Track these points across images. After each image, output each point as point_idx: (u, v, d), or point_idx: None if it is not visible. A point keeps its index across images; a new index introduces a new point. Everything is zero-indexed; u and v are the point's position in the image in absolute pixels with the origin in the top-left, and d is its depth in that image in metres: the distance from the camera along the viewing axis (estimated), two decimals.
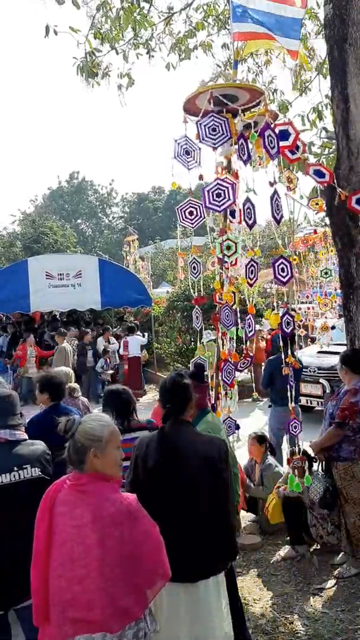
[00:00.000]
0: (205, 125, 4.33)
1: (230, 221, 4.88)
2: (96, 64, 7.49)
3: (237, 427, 5.01)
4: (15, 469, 2.83)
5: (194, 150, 4.51)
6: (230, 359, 4.80)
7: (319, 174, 4.39)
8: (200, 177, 4.65)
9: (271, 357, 7.09)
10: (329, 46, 5.17)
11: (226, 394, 4.95)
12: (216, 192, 4.29)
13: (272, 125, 4.23)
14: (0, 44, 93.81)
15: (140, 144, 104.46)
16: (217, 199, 4.29)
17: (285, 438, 6.78)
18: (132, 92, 8.57)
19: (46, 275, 13.31)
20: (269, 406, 6.96)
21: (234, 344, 4.98)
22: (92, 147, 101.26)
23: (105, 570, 2.13)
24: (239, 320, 4.90)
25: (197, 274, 4.92)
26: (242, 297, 5.76)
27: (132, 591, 2.19)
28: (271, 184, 4.20)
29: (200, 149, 4.49)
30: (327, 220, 6.61)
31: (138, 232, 24.75)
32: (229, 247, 4.68)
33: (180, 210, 4.66)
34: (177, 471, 2.77)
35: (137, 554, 2.21)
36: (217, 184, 4.31)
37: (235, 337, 4.96)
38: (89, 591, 2.12)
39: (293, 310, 4.54)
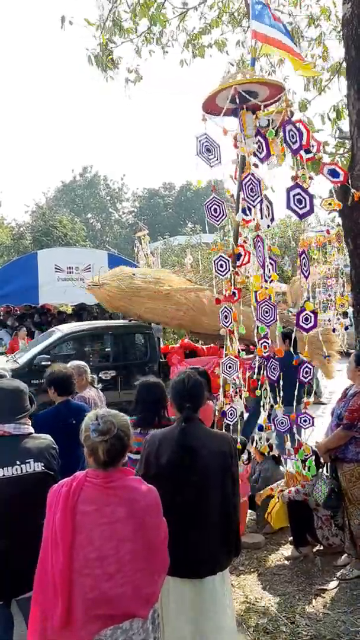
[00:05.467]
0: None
1: (244, 219, 4.83)
2: (110, 56, 7.47)
3: (260, 428, 4.99)
4: (18, 462, 2.83)
5: (214, 148, 4.49)
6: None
7: (333, 173, 4.35)
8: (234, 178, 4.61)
9: (276, 357, 7.03)
10: (346, 46, 5.15)
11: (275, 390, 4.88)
12: (250, 186, 4.25)
13: (292, 121, 4.18)
14: (18, 37, 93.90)
15: (153, 139, 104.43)
16: (251, 193, 4.26)
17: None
18: (144, 86, 8.49)
19: (55, 268, 13.34)
20: (271, 407, 6.91)
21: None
22: (106, 142, 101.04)
23: (136, 562, 2.19)
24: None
25: (225, 272, 4.79)
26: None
27: (154, 578, 2.28)
28: (294, 179, 4.12)
29: (219, 146, 4.47)
30: (339, 221, 6.58)
31: (148, 228, 24.70)
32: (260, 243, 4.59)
33: (207, 206, 4.64)
34: (192, 468, 2.79)
35: (157, 542, 2.30)
36: (250, 178, 4.27)
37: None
38: (119, 585, 2.16)
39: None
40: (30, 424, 3.04)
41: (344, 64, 5.60)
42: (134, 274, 8.46)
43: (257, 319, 4.59)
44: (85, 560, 2.17)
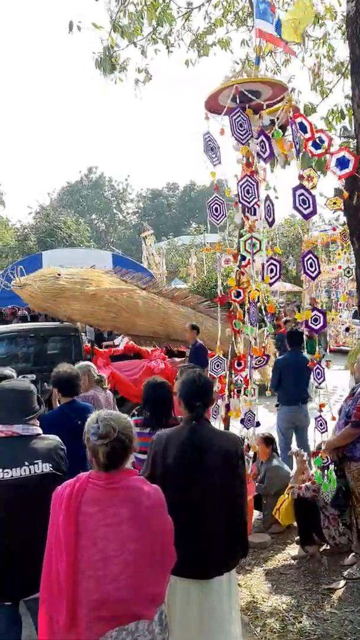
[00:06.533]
0: (234, 119, 4.33)
1: (247, 218, 4.85)
2: (115, 58, 7.47)
3: (258, 424, 5.00)
4: (26, 463, 2.82)
5: (217, 148, 4.50)
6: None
7: (342, 162, 4.30)
8: (239, 177, 4.61)
9: (279, 357, 7.02)
10: (351, 44, 5.11)
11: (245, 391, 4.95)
12: (246, 188, 4.26)
13: (294, 120, 4.17)
14: (23, 40, 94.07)
15: (157, 140, 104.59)
16: (247, 195, 4.26)
17: (294, 437, 6.77)
18: (149, 88, 8.51)
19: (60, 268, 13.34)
20: (276, 405, 6.92)
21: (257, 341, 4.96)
22: (112, 143, 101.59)
23: (140, 563, 2.18)
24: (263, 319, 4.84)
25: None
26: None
27: (159, 577, 2.27)
28: (300, 177, 4.09)
29: (219, 147, 4.48)
30: (344, 220, 6.57)
31: (152, 228, 24.72)
32: (254, 245, 4.61)
33: (209, 205, 4.64)
34: (200, 467, 2.79)
35: (163, 542, 2.29)
36: (247, 180, 4.27)
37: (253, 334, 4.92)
38: (123, 586, 2.14)
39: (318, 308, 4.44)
40: (38, 424, 3.04)
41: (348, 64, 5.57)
42: (59, 274, 8.22)
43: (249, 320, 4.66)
44: (89, 561, 2.16)
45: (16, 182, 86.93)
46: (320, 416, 4.64)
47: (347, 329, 10.42)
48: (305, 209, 3.97)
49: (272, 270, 4.47)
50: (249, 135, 4.38)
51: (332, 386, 11.14)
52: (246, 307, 4.96)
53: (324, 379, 4.52)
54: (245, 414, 4.84)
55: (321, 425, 4.61)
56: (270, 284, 4.55)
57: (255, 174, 4.62)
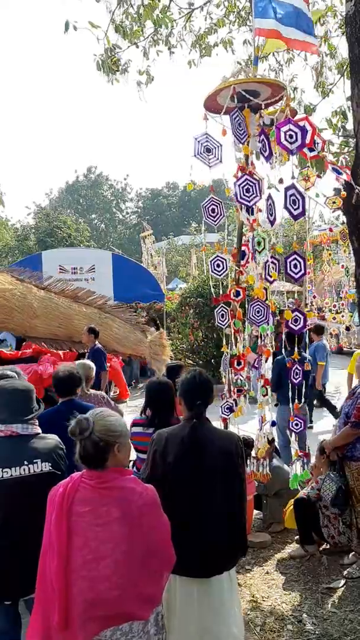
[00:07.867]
0: (234, 119, 4.33)
1: (247, 218, 4.84)
2: (116, 60, 7.45)
3: (274, 423, 5.01)
4: (26, 462, 2.83)
5: (214, 148, 4.48)
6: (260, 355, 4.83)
7: (338, 171, 4.35)
8: (237, 173, 4.58)
9: (279, 357, 7.01)
10: (350, 44, 5.13)
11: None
12: (245, 187, 4.25)
13: (292, 120, 4.17)
14: (22, 40, 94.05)
15: (156, 139, 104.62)
16: (246, 194, 4.25)
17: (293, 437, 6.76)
18: (150, 87, 8.48)
19: (60, 268, 13.35)
20: (275, 405, 6.90)
21: (267, 340, 4.93)
22: (110, 142, 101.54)
23: (133, 563, 2.17)
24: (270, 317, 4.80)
25: (222, 271, 4.81)
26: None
27: (155, 578, 2.25)
28: (292, 177, 4.10)
29: (221, 145, 4.46)
30: (343, 219, 6.57)
31: (152, 228, 24.71)
32: (259, 243, 4.60)
33: (205, 207, 4.64)
34: (200, 466, 2.79)
35: (158, 542, 2.28)
36: (246, 179, 4.27)
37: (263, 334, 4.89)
38: (116, 587, 2.13)
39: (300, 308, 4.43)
40: (37, 424, 3.04)
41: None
42: None
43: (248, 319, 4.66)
44: (83, 561, 2.16)
45: (16, 182, 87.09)
46: (297, 416, 4.65)
47: (348, 328, 10.35)
48: (295, 209, 3.97)
49: (273, 269, 4.47)
50: (246, 135, 4.38)
51: (332, 387, 11.19)
52: (246, 306, 4.95)
53: (302, 379, 4.55)
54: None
55: (297, 425, 4.63)
56: (271, 282, 4.54)
57: (254, 172, 4.62)
